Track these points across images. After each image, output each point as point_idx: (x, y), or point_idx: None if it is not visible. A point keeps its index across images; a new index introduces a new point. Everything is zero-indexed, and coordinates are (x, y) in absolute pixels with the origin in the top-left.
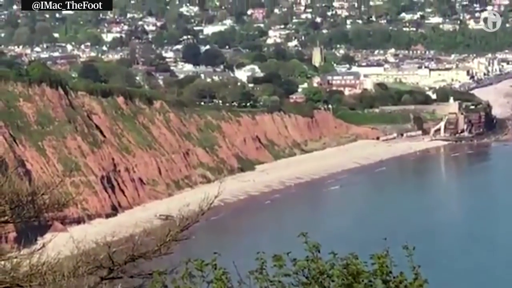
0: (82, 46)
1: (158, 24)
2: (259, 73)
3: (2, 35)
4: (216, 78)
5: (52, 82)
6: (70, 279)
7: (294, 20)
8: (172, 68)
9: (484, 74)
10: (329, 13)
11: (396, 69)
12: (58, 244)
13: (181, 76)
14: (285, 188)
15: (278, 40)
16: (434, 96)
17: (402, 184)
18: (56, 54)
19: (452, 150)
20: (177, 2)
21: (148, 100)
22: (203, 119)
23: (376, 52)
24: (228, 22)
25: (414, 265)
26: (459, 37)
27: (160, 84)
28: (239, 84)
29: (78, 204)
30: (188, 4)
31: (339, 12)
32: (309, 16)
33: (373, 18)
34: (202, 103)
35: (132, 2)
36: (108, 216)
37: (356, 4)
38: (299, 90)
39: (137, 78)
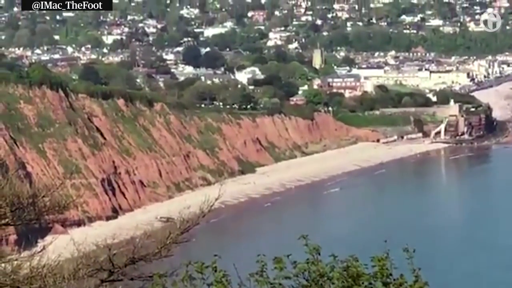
0: (83, 48)
1: (159, 26)
2: (260, 75)
3: (3, 37)
4: (216, 80)
5: (52, 84)
6: (70, 281)
7: (295, 23)
8: (172, 70)
9: (485, 77)
10: (329, 16)
11: (397, 71)
12: (58, 247)
13: (182, 78)
14: (286, 191)
15: (279, 42)
16: (434, 99)
17: (403, 187)
18: (56, 56)
19: (452, 153)
20: (178, 4)
21: (149, 102)
22: (203, 121)
23: (376, 54)
24: (229, 24)
25: (414, 268)
26: (459, 40)
27: (161, 86)
28: (239, 86)
29: (79, 207)
30: (188, 7)
31: (339, 14)
32: (310, 18)
33: (374, 21)
34: (203, 105)
35: (133, 4)
36: (108, 218)
37: (356, 7)
38: (300, 92)
39: (138, 80)
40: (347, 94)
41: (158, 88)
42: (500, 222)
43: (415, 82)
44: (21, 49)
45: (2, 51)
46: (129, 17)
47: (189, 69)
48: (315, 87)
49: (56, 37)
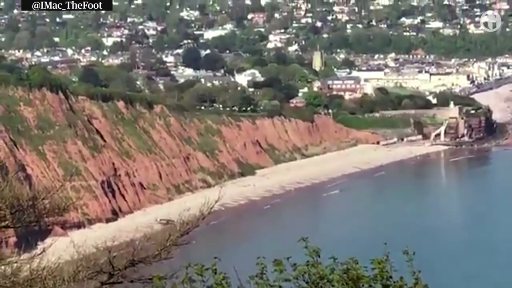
0: (83, 51)
1: (159, 28)
2: (260, 78)
3: (3, 39)
4: (216, 82)
5: (52, 86)
6: (70, 283)
7: (295, 25)
8: (172, 72)
9: (484, 79)
10: (329, 18)
11: (397, 74)
12: (58, 249)
13: (182, 80)
14: (286, 193)
15: (279, 45)
16: (434, 101)
17: (402, 189)
18: (56, 58)
19: (452, 155)
20: (178, 7)
21: (149, 105)
22: (203, 123)
23: (376, 56)
24: (229, 26)
25: (414, 270)
26: (459, 42)
27: (161, 88)
28: (239, 88)
29: (79, 209)
30: (188, 9)
31: (339, 16)
32: (310, 20)
33: (374, 23)
34: (203, 108)
35: (133, 6)
36: (108, 220)
37: (356, 9)
38: (300, 94)
39: (138, 82)
40: (347, 96)
41: (158, 90)
42: (500, 224)
43: (415, 84)
44: (21, 51)
45: (2, 53)
46: (129, 19)
47: (189, 71)
48: (315, 89)
49: (56, 39)
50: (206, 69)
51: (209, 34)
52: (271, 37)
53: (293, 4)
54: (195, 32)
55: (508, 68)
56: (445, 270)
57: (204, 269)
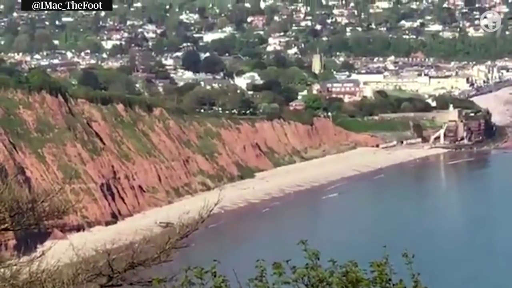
0: (82, 53)
1: (158, 31)
2: (259, 81)
3: (2, 42)
4: (215, 85)
5: (52, 89)
6: (69, 286)
7: (294, 28)
8: (172, 75)
9: (484, 82)
10: (328, 21)
11: (396, 77)
12: (57, 252)
13: (181, 83)
14: (285, 196)
15: (278, 48)
16: (433, 104)
17: (402, 192)
18: (56, 61)
19: (451, 158)
20: (177, 10)
21: (148, 108)
22: (202, 126)
23: (375, 59)
24: (228, 29)
25: (413, 273)
26: (458, 45)
27: (160, 91)
28: (238, 91)
29: (78, 212)
30: (188, 12)
31: (338, 19)
32: (309, 23)
33: (373, 26)
34: (202, 111)
35: (132, 9)
36: (107, 223)
37: (356, 12)
38: (299, 97)
39: (137, 85)
40: (346, 99)
41: (157, 93)
42: (499, 227)
43: (415, 87)
44: (21, 54)
45: (1, 56)
46: (128, 22)
47: (188, 74)
48: (315, 92)
49: (56, 42)
50: (205, 72)
51: (208, 37)
52: (270, 40)
53: (293, 7)
54: (195, 35)
55: (508, 71)
56: (445, 273)
57: (204, 272)
